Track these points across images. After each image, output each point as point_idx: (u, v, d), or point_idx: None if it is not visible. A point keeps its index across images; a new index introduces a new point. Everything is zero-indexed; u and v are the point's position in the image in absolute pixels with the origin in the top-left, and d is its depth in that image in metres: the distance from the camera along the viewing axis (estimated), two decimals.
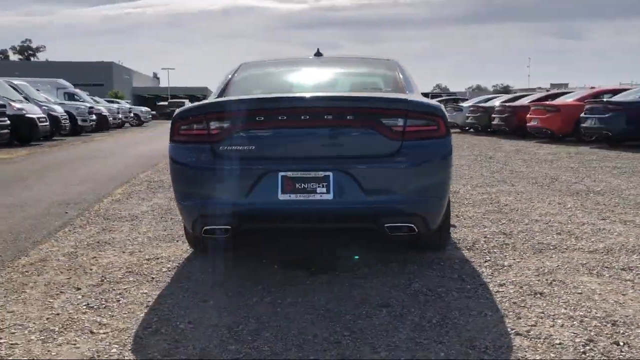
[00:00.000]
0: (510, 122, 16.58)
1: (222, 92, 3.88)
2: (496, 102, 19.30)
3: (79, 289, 3.10)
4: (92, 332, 2.49)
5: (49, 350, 2.29)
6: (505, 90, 50.09)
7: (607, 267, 3.44)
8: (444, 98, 28.37)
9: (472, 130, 20.20)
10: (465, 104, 21.79)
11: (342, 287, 3.23)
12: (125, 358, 2.24)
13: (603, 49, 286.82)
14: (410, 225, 3.25)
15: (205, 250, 3.85)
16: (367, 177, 3.13)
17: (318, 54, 4.60)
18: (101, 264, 3.56)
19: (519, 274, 3.40)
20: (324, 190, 3.09)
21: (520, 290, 3.10)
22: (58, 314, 2.70)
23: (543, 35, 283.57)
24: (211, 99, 3.77)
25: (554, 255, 3.73)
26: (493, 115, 17.43)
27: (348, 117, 3.20)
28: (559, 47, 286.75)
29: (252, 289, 3.15)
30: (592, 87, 20.30)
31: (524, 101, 17.45)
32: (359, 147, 3.21)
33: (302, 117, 3.17)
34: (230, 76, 4.11)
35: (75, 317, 2.67)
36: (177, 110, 3.41)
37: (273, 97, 3.50)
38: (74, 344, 2.35)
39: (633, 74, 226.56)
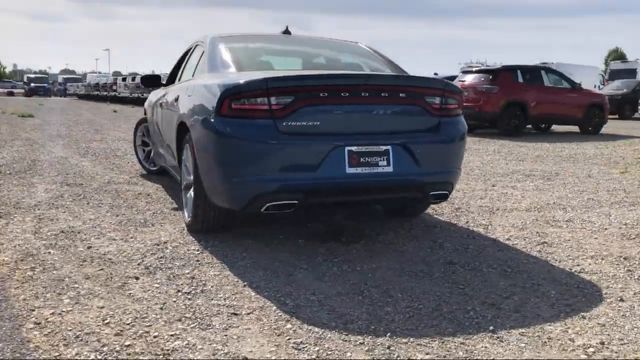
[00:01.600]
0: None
1: (215, 67, 4.10)
2: None
3: None
4: None
5: None
6: None
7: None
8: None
9: None
10: None
11: (392, 253, 3.67)
12: None
13: None
14: (446, 192, 3.76)
15: (211, 230, 4.00)
16: (418, 150, 3.56)
17: (287, 32, 4.84)
18: None
19: None
20: (385, 163, 3.47)
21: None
22: None
23: (278, 24, 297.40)
24: (208, 74, 4.05)
25: None
26: None
27: (400, 94, 3.59)
28: None
29: (293, 265, 3.44)
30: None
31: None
32: (409, 123, 3.63)
33: (362, 94, 3.49)
34: (210, 50, 4.29)
35: None
36: (227, 85, 3.47)
37: (338, 74, 3.78)
38: None
39: None
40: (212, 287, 3.05)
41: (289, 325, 2.57)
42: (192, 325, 2.57)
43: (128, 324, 2.57)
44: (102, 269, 3.32)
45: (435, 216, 4.80)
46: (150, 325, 2.56)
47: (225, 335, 2.47)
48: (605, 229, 4.41)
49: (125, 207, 4.94)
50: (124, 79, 37.50)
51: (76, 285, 3.05)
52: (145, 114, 6.92)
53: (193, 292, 2.98)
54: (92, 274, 3.25)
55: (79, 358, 2.24)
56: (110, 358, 2.25)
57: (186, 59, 5.16)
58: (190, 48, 5.27)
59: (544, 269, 3.45)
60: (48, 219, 4.48)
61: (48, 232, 4.10)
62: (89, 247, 3.75)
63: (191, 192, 4.07)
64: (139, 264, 3.41)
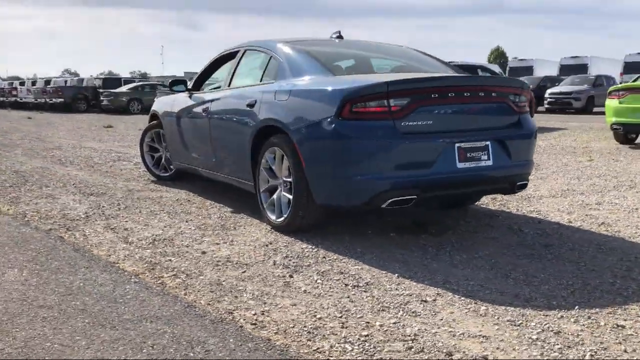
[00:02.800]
0: None
1: (305, 71, 4.24)
2: None
3: None
4: None
5: None
6: (144, 77, 52.50)
7: None
8: (141, 84, 28.44)
9: None
10: None
11: (487, 240, 4.01)
12: None
13: (222, 40, 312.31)
14: (526, 182, 4.16)
15: (306, 229, 4.15)
16: (510, 144, 3.92)
17: (340, 36, 5.09)
18: None
19: None
20: (486, 157, 3.80)
21: None
22: None
23: (166, 23, 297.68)
24: (297, 79, 4.19)
25: None
26: None
27: (493, 94, 3.94)
28: (184, 36, 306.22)
29: (412, 256, 3.72)
30: None
31: None
32: (500, 120, 3.98)
33: (465, 94, 3.81)
34: (289, 55, 4.43)
35: None
36: (348, 89, 3.67)
37: (446, 76, 4.05)
38: None
39: None
40: (370, 279, 3.22)
41: (489, 308, 2.81)
42: (401, 313, 2.74)
43: (339, 317, 2.70)
44: (244, 271, 3.38)
45: (482, 206, 5.19)
46: (361, 317, 2.71)
47: (442, 320, 2.67)
48: (637, 208, 5.00)
49: (182, 214, 4.92)
50: (21, 84, 35.69)
51: (240, 287, 3.11)
52: (151, 120, 6.79)
53: (360, 285, 3.13)
54: (241, 276, 3.30)
55: (321, 348, 2.37)
56: (356, 349, 2.39)
57: (235, 64, 5.18)
58: (236, 53, 5.30)
59: (627, 244, 3.92)
60: (122, 229, 4.39)
61: (140, 241, 4.05)
62: (204, 253, 3.76)
63: (283, 193, 4.18)
64: (275, 264, 3.50)
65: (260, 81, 4.69)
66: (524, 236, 4.14)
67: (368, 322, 2.64)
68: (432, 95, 3.73)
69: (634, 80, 11.14)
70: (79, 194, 5.80)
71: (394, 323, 2.63)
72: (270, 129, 4.29)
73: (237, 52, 5.30)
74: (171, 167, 6.60)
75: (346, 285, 3.13)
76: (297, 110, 3.98)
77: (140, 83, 28.70)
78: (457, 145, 3.74)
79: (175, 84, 5.93)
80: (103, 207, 5.19)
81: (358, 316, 2.71)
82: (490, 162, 3.85)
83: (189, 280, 3.23)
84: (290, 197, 4.10)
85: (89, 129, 15.67)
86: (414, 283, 3.16)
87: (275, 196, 4.31)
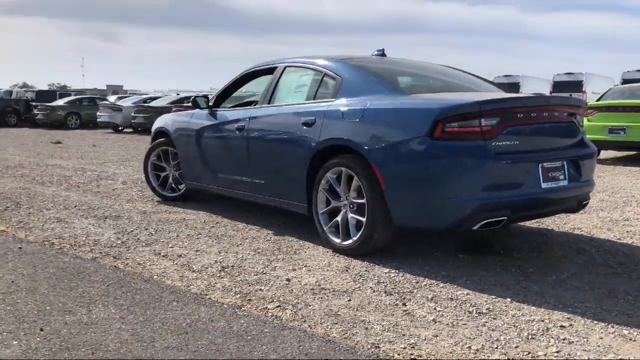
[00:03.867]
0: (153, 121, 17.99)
1: (347, 90, 4.19)
2: (162, 103, 21.28)
3: None
4: None
5: None
6: (63, 89, 50.07)
7: None
8: (79, 97, 27.29)
9: (140, 129, 20.69)
10: (125, 104, 22.96)
11: (560, 260, 4.02)
12: None
13: (140, 53, 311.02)
14: (589, 200, 4.21)
15: (374, 252, 4.02)
16: (580, 163, 3.96)
17: (383, 54, 5.03)
18: None
19: None
20: (562, 176, 3.83)
21: None
22: None
23: (83, 35, 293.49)
24: (363, 97, 4.07)
25: None
26: (133, 114, 19.68)
27: (564, 113, 3.97)
28: (103, 48, 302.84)
29: (501, 277, 3.69)
30: (178, 94, 24.43)
31: (162, 103, 20.31)
32: (570, 139, 4.03)
33: (544, 114, 3.83)
34: (351, 72, 4.32)
35: None
36: (440, 109, 3.58)
37: (531, 96, 4.03)
38: None
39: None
40: (489, 306, 3.12)
41: (634, 332, 2.78)
42: (553, 341, 2.66)
43: (495, 347, 2.59)
44: (349, 300, 3.21)
45: (519, 224, 5.22)
46: (517, 347, 2.61)
47: (599, 346, 2.61)
48: None
49: (224, 237, 4.66)
50: None
51: (362, 318, 2.93)
52: (155, 138, 6.45)
53: (483, 311, 3.03)
54: (350, 305, 3.13)
55: None
56: None
57: (274, 81, 4.97)
58: (271, 69, 5.12)
59: None
60: (175, 255, 4.10)
61: (207, 268, 3.79)
62: (288, 280, 3.56)
63: (351, 215, 4.04)
64: (374, 291, 3.35)
65: (314, 99, 4.52)
66: (591, 255, 4.17)
67: (530, 352, 2.54)
68: (518, 115, 3.72)
69: (598, 100, 11.71)
70: (91, 218, 5.39)
71: (557, 352, 2.54)
72: (334, 149, 4.14)
73: (273, 68, 5.11)
74: (180, 187, 6.28)
75: (469, 312, 3.03)
76: (374, 130, 3.85)
77: (79, 97, 27.41)
78: (540, 165, 3.72)
79: (199, 101, 5.64)
80: (131, 231, 4.83)
81: (514, 345, 2.61)
82: (566, 182, 3.87)
83: (301, 312, 3.02)
84: (361, 218, 3.95)
85: (37, 145, 14.76)
86: (534, 308, 3.10)
87: (339, 218, 4.15)
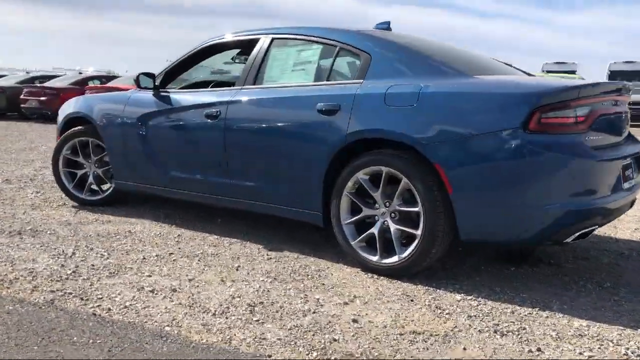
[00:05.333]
0: (54, 105, 15.21)
1: (386, 70, 3.36)
2: (10, 82, 18.37)
3: None
4: None
5: None
6: None
7: None
8: None
9: None
10: None
11: (605, 269, 3.59)
12: None
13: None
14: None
15: (419, 271, 3.37)
16: (638, 160, 3.49)
17: (389, 27, 4.15)
18: None
19: None
20: (632, 175, 3.35)
21: None
22: None
23: None
24: (414, 79, 3.24)
25: None
26: (24, 97, 16.12)
27: (625, 104, 3.48)
28: None
29: (563, 302, 3.18)
30: (80, 72, 22.32)
31: (64, 83, 17.21)
32: (625, 132, 3.54)
33: (616, 104, 3.32)
34: (364, 47, 3.50)
35: None
36: (538, 94, 2.89)
37: (615, 82, 3.39)
38: None
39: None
40: (595, 330, 2.51)
41: None
42: None
43: None
44: (464, 348, 2.42)
45: None
46: None
47: None
48: None
49: (207, 257, 3.61)
50: None
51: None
52: (67, 127, 5.07)
53: (595, 336, 2.41)
54: (484, 355, 2.34)
55: None
56: None
57: (258, 57, 3.94)
58: (250, 41, 4.09)
59: None
60: (168, 290, 3.00)
61: (230, 309, 2.77)
62: (355, 321, 2.67)
63: (395, 227, 3.23)
64: (496, 331, 2.58)
65: (329, 80, 3.60)
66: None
67: None
68: (603, 104, 3.14)
69: None
70: None
71: None
72: (368, 143, 3.30)
73: (253, 40, 4.08)
74: (104, 188, 4.99)
75: (618, 351, 2.38)
76: (438, 120, 3.06)
77: None
78: (621, 163, 3.20)
79: (143, 79, 4.41)
80: (72, 254, 3.57)
81: None
82: (634, 182, 3.39)
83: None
84: (412, 231, 3.16)
85: None
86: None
87: (375, 231, 3.31)
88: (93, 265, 3.36)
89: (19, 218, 4.46)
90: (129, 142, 4.53)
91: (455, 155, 2.98)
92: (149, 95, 4.48)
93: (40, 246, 3.72)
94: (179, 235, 4.12)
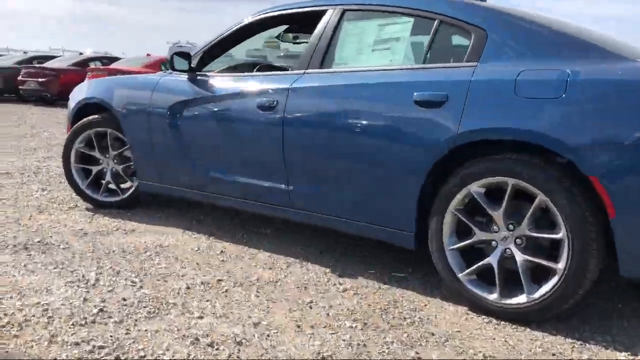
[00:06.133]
0: (53, 87, 14.88)
1: (501, 49, 2.58)
2: (7, 62, 17.36)
3: None
4: None
5: None
6: None
7: None
8: None
9: None
10: None
11: None
12: None
13: None
14: None
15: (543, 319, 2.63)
16: None
17: None
18: None
19: None
20: None
21: None
22: None
23: None
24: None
25: None
26: (22, 78, 15.20)
27: None
28: None
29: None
30: (81, 53, 21.30)
31: (64, 64, 16.24)
32: None
33: None
34: (477, 21, 2.70)
35: None
36: None
37: None
38: None
39: None
40: None
41: None
42: None
43: None
44: None
45: None
46: None
47: None
48: None
49: (269, 287, 2.85)
50: None
51: None
52: (80, 115, 4.28)
53: None
54: None
55: None
56: None
57: (325, 33, 3.14)
58: (313, 14, 3.29)
59: None
60: (231, 341, 2.23)
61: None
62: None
63: (524, 257, 2.46)
64: None
65: (425, 62, 2.81)
66: None
67: None
68: None
69: None
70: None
71: None
72: (486, 145, 2.52)
73: (317, 13, 3.28)
74: (123, 187, 4.21)
75: None
76: (600, 117, 2.28)
77: None
78: None
79: (177, 61, 3.61)
80: (95, 281, 2.80)
81: None
82: None
83: None
84: (549, 264, 2.39)
85: None
86: None
87: (492, 261, 2.54)
88: (124, 300, 2.58)
89: (25, 225, 3.68)
90: (156, 135, 3.74)
91: (621, 166, 2.21)
92: (182, 79, 3.68)
93: (54, 268, 2.94)
94: (221, 251, 3.35)
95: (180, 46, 37.78)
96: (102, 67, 14.77)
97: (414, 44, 2.95)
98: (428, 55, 2.80)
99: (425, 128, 2.62)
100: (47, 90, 14.65)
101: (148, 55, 18.50)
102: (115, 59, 17.32)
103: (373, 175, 2.81)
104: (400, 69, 2.85)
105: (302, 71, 3.16)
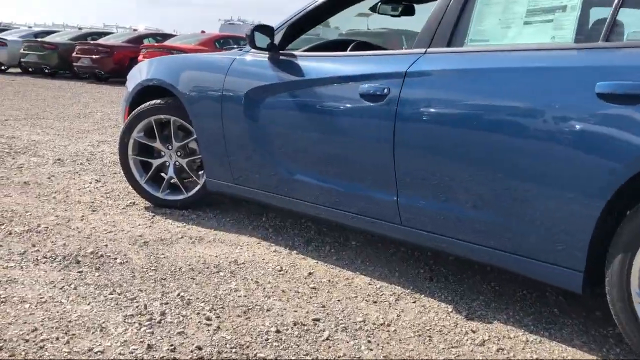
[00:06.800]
0: (107, 64, 14.47)
1: None
2: (63, 38, 16.91)
3: None
4: None
5: None
6: None
7: None
8: None
9: (31, 70, 16.56)
10: (10, 38, 17.64)
11: None
12: None
13: None
14: None
15: None
16: None
17: None
18: None
19: None
20: None
21: None
22: None
23: None
24: None
25: None
26: (76, 55, 14.75)
27: None
28: None
29: None
30: (135, 30, 20.52)
31: (118, 41, 15.76)
32: None
33: None
34: None
35: None
36: None
37: None
38: None
39: None
40: None
41: None
42: None
43: None
44: None
45: None
46: None
47: None
48: None
49: (390, 336, 2.18)
50: None
51: None
52: (139, 99, 3.69)
53: None
54: None
55: None
56: None
57: (454, 1, 2.43)
58: None
59: None
60: None
61: None
62: None
63: None
64: None
65: (609, 38, 2.05)
66: None
67: None
68: None
69: None
70: (46, 263, 2.66)
71: None
72: None
73: None
74: (187, 182, 3.61)
75: None
76: None
77: None
78: None
79: (259, 37, 2.95)
80: (155, 316, 2.21)
81: None
82: None
83: None
84: None
85: None
86: None
87: None
88: (199, 350, 1.97)
89: (76, 229, 3.14)
90: (230, 126, 3.12)
91: None
92: (262, 60, 3.04)
93: (110, 293, 2.37)
94: (309, 273, 2.72)
95: (232, 23, 37.69)
96: (156, 44, 14.34)
97: (586, 15, 2.20)
98: (611, 31, 2.05)
99: (613, 133, 1.89)
100: (100, 67, 14.35)
101: (202, 32, 18.04)
102: (169, 36, 16.93)
103: (529, 192, 2.10)
104: (571, 49, 2.11)
105: (423, 50, 2.45)
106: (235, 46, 12.90)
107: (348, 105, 2.61)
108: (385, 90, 2.46)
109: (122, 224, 3.30)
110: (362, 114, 2.55)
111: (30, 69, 16.63)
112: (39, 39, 16.70)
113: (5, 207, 3.45)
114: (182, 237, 3.13)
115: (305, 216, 3.22)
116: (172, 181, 3.63)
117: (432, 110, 2.34)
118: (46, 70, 16.10)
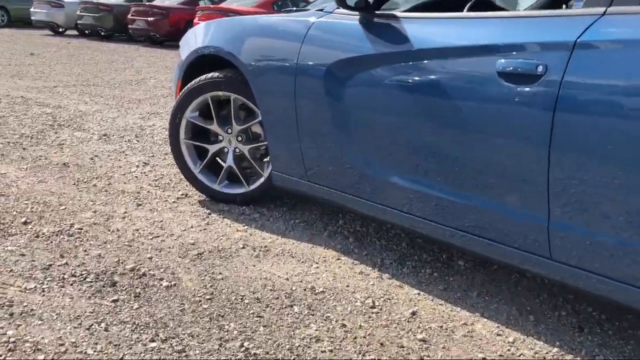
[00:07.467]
0: (162, 26, 13.77)
1: None
2: (121, 0, 16.13)
3: None
4: None
5: None
6: None
7: None
8: None
9: (87, 33, 16.00)
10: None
11: None
12: None
13: None
14: None
15: None
16: None
17: None
18: None
19: None
20: None
21: None
22: None
23: None
24: None
25: None
26: (131, 17, 14.12)
27: None
28: None
29: None
30: None
31: (173, 2, 14.84)
32: None
33: None
34: None
35: None
36: None
37: None
38: None
39: None
40: None
41: None
42: None
43: None
44: None
45: None
46: None
47: None
48: None
49: None
50: None
51: None
52: (191, 72, 3.02)
53: None
54: None
55: None
56: None
57: None
58: None
59: None
60: None
61: None
62: None
63: None
64: None
65: None
66: None
67: None
68: None
69: None
70: (81, 283, 2.05)
71: None
72: None
73: None
74: (249, 171, 2.95)
75: None
76: None
77: None
78: None
79: None
80: None
81: None
82: None
83: None
84: None
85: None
86: None
87: None
88: None
89: (115, 232, 2.54)
90: (306, 108, 2.42)
91: None
92: (351, 23, 2.30)
93: (151, 339, 1.75)
94: (412, 313, 2.03)
95: None
96: (212, 6, 13.69)
97: None
98: None
99: None
100: (155, 30, 13.85)
101: None
102: None
103: None
104: None
105: (601, 10, 1.66)
106: (294, 8, 12.12)
107: (477, 88, 1.86)
108: (540, 69, 1.69)
109: (172, 224, 2.69)
110: (499, 99, 1.80)
111: (86, 32, 16.31)
112: (94, 1, 16.31)
113: (37, 198, 2.89)
114: (243, 247, 2.49)
115: (397, 227, 2.51)
116: (231, 171, 2.98)
117: (616, 100, 1.57)
118: (102, 33, 15.74)
